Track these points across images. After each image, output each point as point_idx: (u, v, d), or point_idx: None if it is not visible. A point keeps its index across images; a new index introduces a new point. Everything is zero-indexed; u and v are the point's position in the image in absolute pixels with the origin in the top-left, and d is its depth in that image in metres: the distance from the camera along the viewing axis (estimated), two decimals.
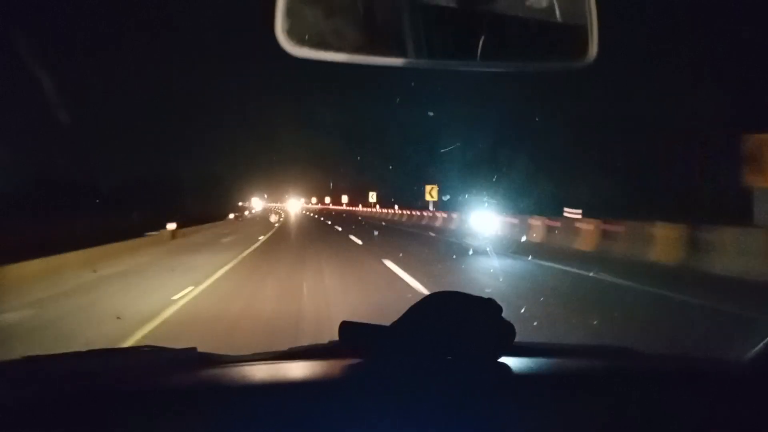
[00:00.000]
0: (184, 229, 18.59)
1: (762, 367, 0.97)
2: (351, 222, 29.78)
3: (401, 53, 1.06)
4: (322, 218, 38.53)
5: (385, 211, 41.56)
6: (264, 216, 48.66)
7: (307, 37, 1.09)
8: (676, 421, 0.80)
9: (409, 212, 31.53)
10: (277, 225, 27.34)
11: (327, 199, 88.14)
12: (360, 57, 1.08)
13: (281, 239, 17.52)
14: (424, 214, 27.28)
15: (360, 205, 57.36)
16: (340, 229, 22.20)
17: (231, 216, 38.20)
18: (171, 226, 17.08)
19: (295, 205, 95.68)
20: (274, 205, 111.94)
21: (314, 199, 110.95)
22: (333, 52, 1.09)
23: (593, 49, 0.96)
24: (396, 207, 37.08)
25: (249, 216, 49.93)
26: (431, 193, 35.81)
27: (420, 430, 0.76)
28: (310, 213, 56.51)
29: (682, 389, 0.90)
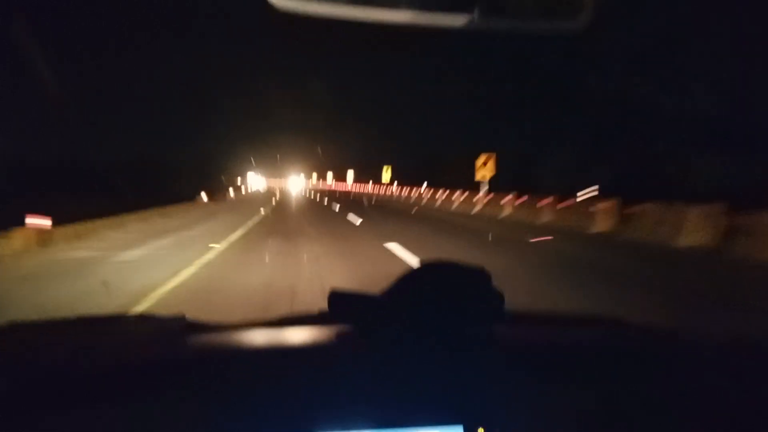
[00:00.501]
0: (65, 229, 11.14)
1: (755, 343, 1.07)
2: (382, 211, 23.47)
3: (394, 5, 1.14)
4: (326, 200, 35.08)
5: (408, 192, 37.25)
6: (254, 197, 46.56)
7: None
8: (664, 393, 0.94)
9: (451, 195, 26.33)
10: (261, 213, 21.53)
11: (329, 177, 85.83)
12: (349, 10, 1.17)
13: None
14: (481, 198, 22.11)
15: (371, 183, 54.98)
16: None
17: (204, 197, 32.63)
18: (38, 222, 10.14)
19: (297, 184, 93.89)
20: (276, 182, 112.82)
21: (314, 175, 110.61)
22: (320, 4, 1.17)
23: (589, 11, 1.04)
24: (425, 185, 32.86)
25: (235, 197, 44.99)
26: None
27: (411, 399, 0.86)
28: (311, 194, 53.55)
29: (671, 361, 1.04)
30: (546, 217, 16.25)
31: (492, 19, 1.12)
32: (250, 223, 15.89)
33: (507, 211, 19.20)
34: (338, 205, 27.03)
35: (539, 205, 16.86)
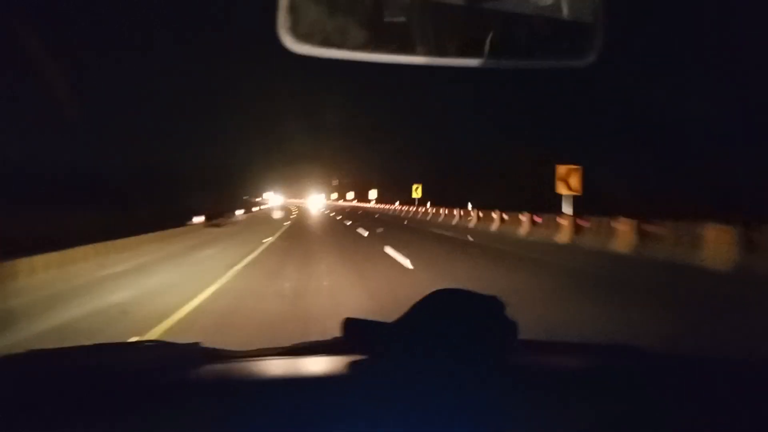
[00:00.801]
0: None
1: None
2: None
3: (404, 50, 1.31)
4: (350, 223, 32.33)
5: (448, 212, 33.75)
6: (266, 218, 44.62)
7: (310, 34, 1.30)
8: (679, 422, 1.01)
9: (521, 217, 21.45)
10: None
11: (350, 195, 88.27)
12: (363, 54, 1.33)
13: None
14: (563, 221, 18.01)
15: (398, 203, 54.83)
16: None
17: (195, 221, 28.71)
18: None
19: (317, 202, 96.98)
20: (295, 201, 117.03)
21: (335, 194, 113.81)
22: (336, 50, 1.33)
23: (597, 48, 1.16)
24: (470, 205, 30.28)
25: (246, 217, 44.14)
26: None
27: (424, 427, 0.92)
28: (331, 212, 54.75)
29: (688, 390, 1.12)
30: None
31: (501, 60, 1.24)
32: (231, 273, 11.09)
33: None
34: (366, 231, 23.76)
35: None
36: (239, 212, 46.43)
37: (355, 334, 1.16)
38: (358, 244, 18.05)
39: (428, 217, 37.51)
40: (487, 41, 1.22)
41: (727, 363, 1.31)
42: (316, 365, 1.23)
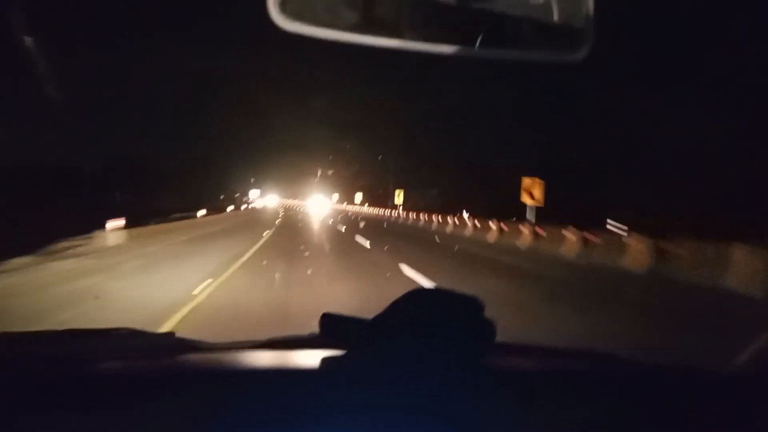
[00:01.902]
0: None
1: (744, 376, 1.15)
2: None
3: (398, 34, 1.28)
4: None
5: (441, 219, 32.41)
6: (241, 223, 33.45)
7: (301, 11, 1.28)
8: (651, 427, 1.03)
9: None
10: None
11: (358, 197, 73.17)
12: (355, 36, 1.30)
13: None
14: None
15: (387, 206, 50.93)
16: None
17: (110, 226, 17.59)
18: None
19: (319, 205, 75.39)
20: (295, 202, 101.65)
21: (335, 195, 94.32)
22: (327, 29, 1.30)
23: (588, 44, 1.16)
24: (465, 214, 30.33)
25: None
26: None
27: (398, 423, 0.93)
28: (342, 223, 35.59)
29: (660, 397, 1.13)
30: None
31: (493, 49, 1.24)
32: None
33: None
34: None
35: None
36: (201, 213, 36.49)
37: (332, 330, 1.15)
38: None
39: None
40: (480, 30, 1.22)
41: (699, 372, 1.32)
42: (292, 359, 1.21)
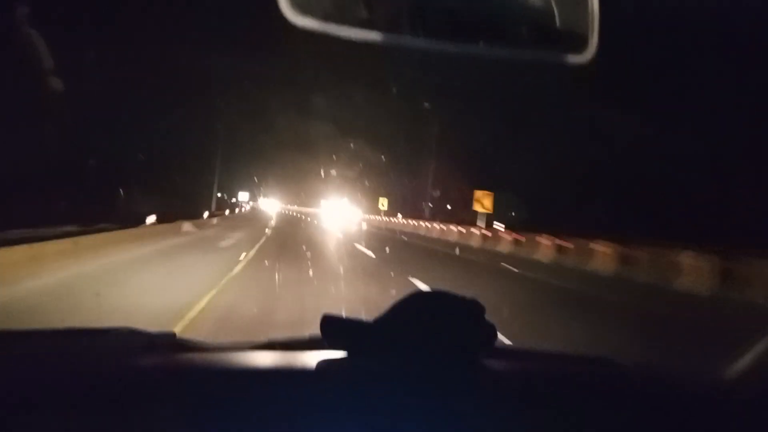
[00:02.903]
0: None
1: (737, 382, 1.18)
2: None
3: (405, 31, 1.31)
4: None
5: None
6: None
7: (310, 6, 1.31)
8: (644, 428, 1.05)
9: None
10: None
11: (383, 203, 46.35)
12: (361, 32, 1.33)
13: None
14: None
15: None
16: None
17: None
18: None
19: (338, 213, 52.31)
20: (304, 209, 77.53)
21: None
22: (336, 25, 1.33)
23: (592, 47, 1.19)
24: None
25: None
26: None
27: (398, 426, 0.93)
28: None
29: (654, 401, 1.15)
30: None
31: (498, 48, 1.27)
32: None
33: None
34: None
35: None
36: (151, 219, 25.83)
37: (332, 331, 1.15)
38: None
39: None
40: (485, 29, 1.25)
41: (693, 376, 1.34)
42: (292, 360, 1.21)
